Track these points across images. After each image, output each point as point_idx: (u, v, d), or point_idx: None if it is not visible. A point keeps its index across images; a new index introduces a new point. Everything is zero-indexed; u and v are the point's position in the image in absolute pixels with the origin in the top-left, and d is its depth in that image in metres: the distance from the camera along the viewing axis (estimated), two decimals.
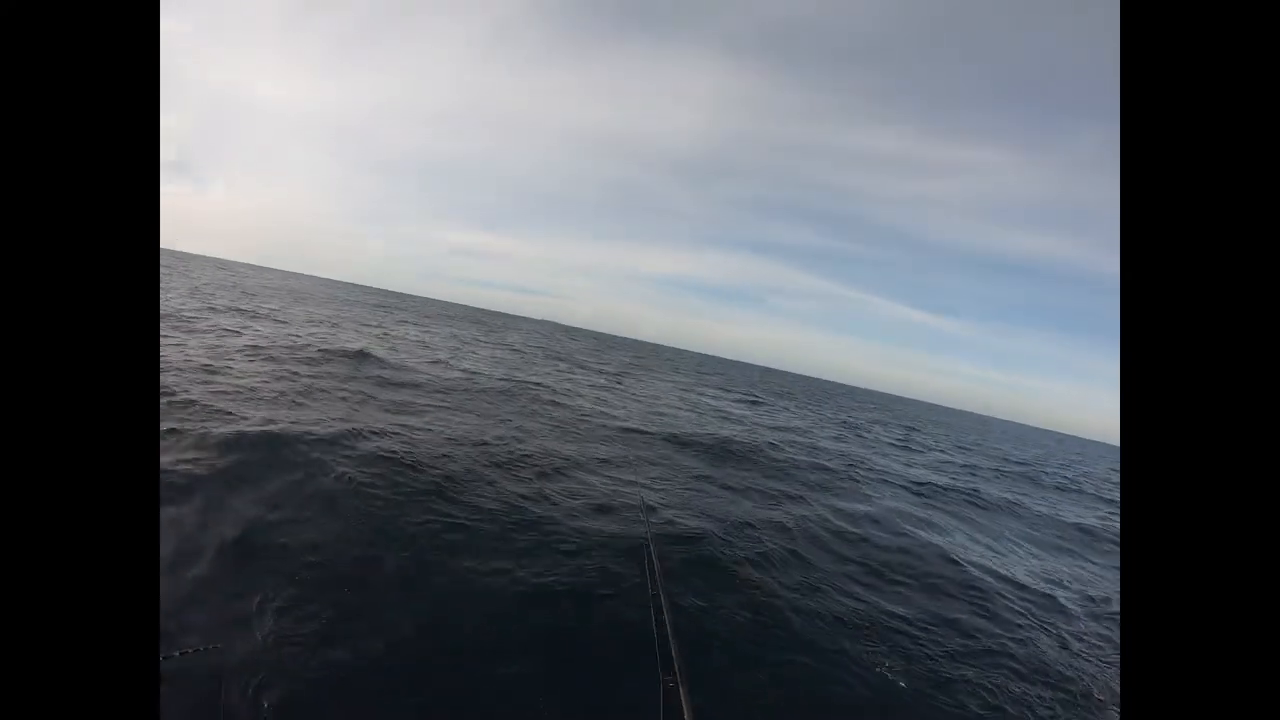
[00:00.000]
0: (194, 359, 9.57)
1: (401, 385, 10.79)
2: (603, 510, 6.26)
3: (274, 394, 8.30)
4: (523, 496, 6.23)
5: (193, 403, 7.07)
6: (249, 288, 33.98)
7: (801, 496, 8.60)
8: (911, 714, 4.03)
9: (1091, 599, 7.33)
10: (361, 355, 12.86)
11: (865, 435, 21.48)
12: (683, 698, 1.92)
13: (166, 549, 4.05)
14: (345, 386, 9.68)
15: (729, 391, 29.12)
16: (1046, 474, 22.12)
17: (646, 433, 11.11)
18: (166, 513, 4.50)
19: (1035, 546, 9.52)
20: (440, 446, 7.25)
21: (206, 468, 5.30)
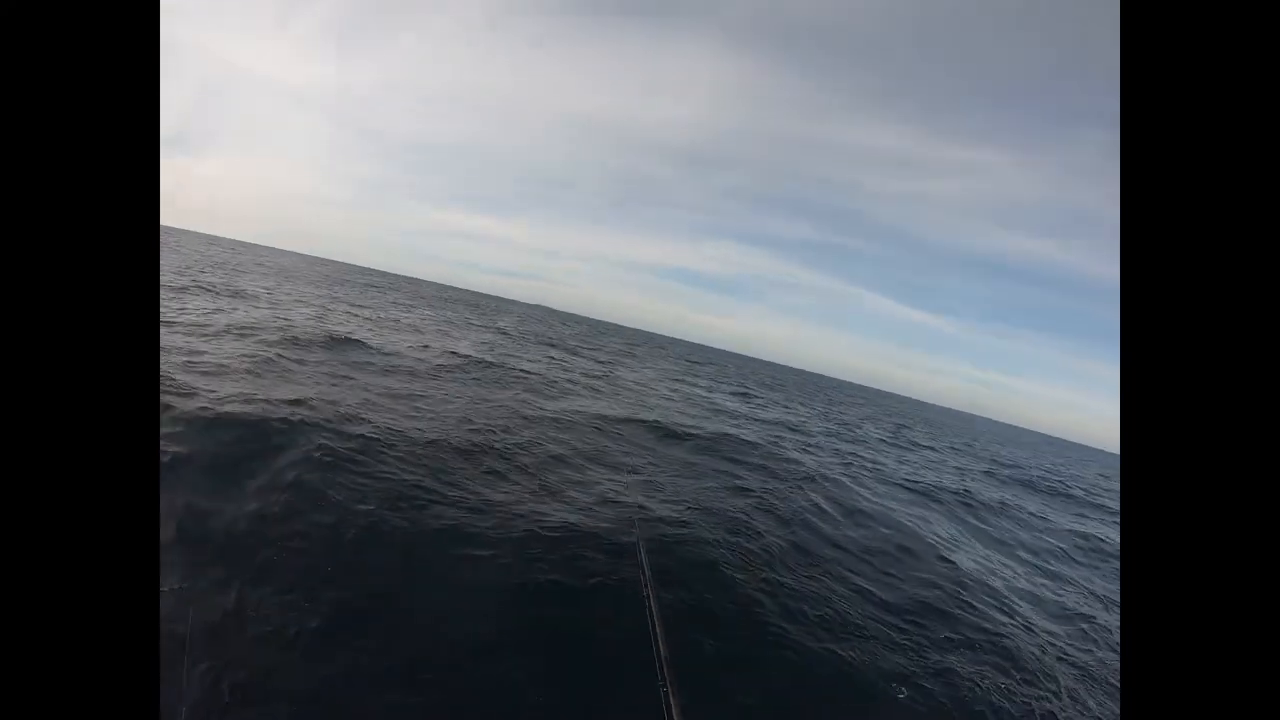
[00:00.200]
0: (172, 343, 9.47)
1: (387, 371, 10.64)
2: (592, 505, 6.26)
3: (245, 375, 8.18)
4: (507, 489, 6.22)
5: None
6: (238, 264, 33.60)
7: (787, 485, 8.64)
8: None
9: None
10: (347, 340, 12.49)
11: (856, 431, 21.60)
12: (671, 699, 1.94)
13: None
14: (324, 371, 9.52)
15: (720, 384, 29.15)
16: (1042, 478, 22.33)
17: (637, 421, 11.11)
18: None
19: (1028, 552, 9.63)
20: (421, 434, 7.22)
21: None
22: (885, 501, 9.59)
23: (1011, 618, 6.14)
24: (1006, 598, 6.71)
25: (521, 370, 14.49)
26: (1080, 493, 20.59)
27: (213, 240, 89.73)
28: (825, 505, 8.17)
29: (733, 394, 24.10)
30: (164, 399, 6.04)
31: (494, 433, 7.91)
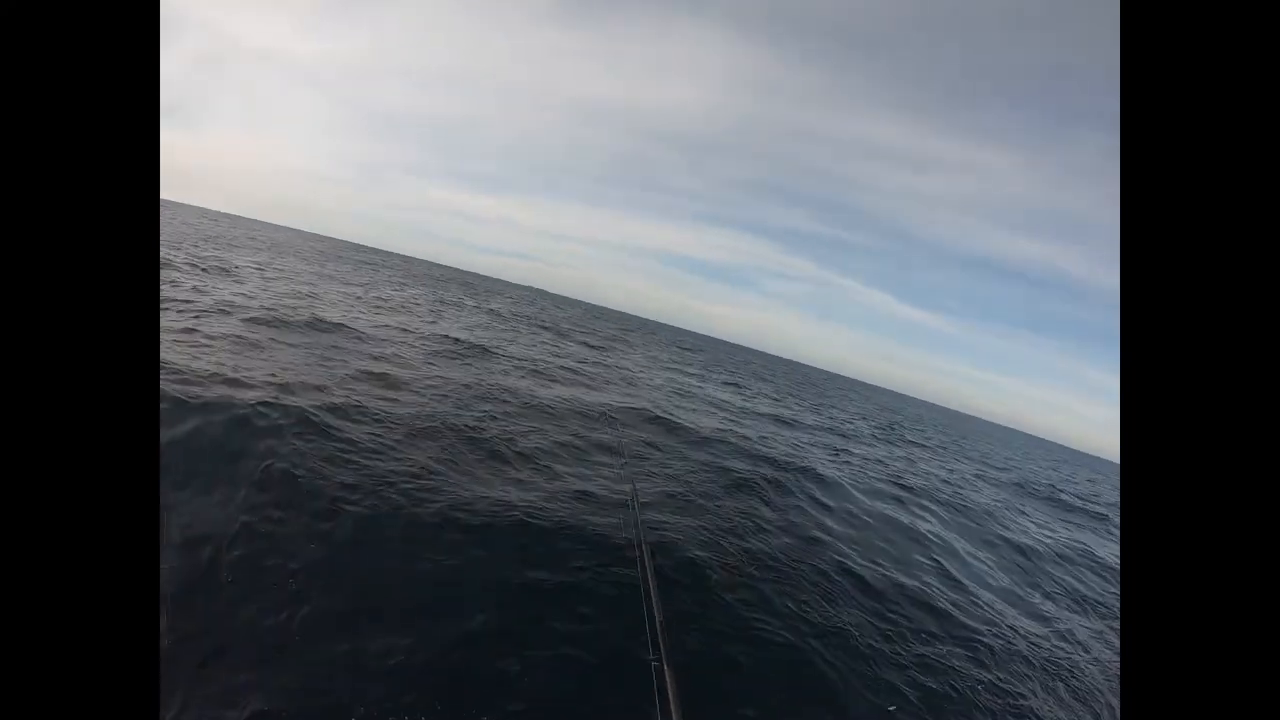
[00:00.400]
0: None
1: (376, 357, 10.48)
2: (586, 494, 6.26)
3: (225, 358, 8.08)
4: (500, 476, 6.21)
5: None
6: (232, 239, 33.24)
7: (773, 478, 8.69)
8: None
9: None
10: (336, 326, 11.90)
11: (849, 427, 21.73)
12: (667, 677, 1.94)
13: None
14: (304, 351, 9.37)
15: (711, 373, 29.21)
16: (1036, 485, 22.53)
17: (633, 409, 11.12)
18: None
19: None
20: (408, 420, 7.19)
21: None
22: (874, 501, 9.65)
23: (999, 621, 6.21)
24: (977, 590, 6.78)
25: (509, 355, 14.44)
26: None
27: (204, 213, 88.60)
28: (816, 497, 8.22)
29: (725, 384, 24.16)
30: None
31: (479, 418, 7.89)
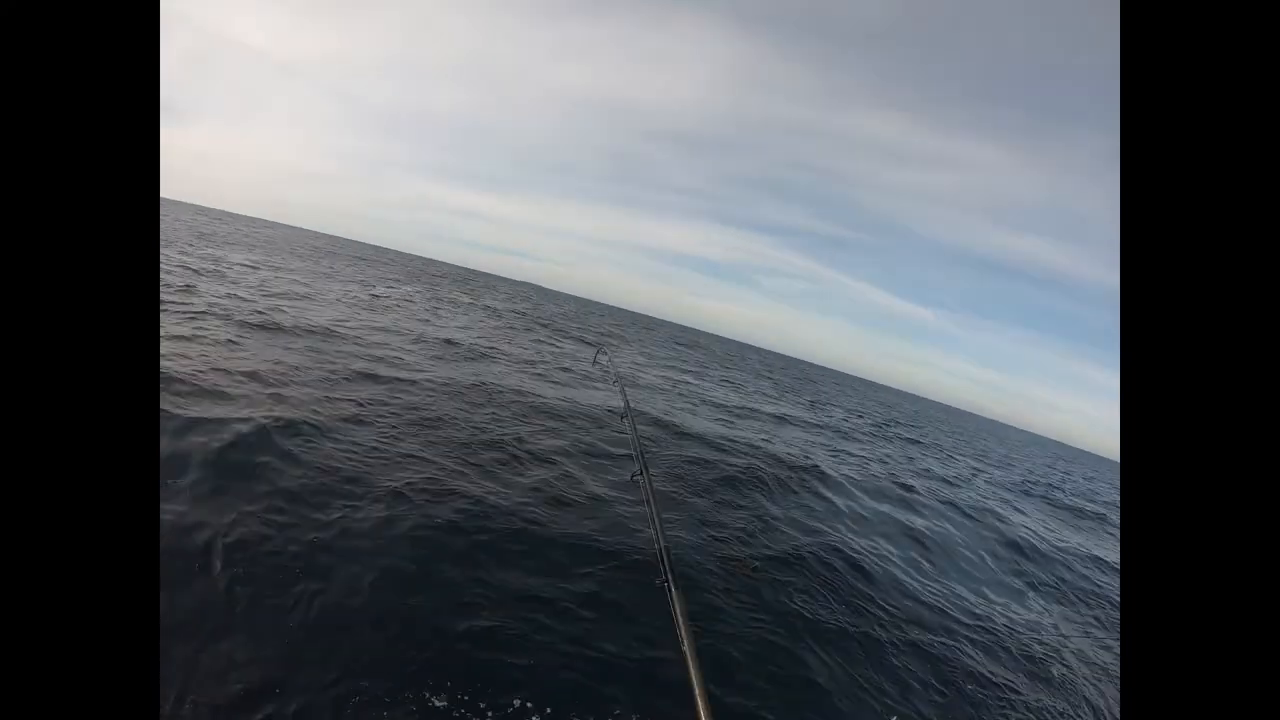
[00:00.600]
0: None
1: (368, 359, 10.32)
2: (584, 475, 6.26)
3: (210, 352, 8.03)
4: (504, 475, 6.21)
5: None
6: (227, 236, 33.10)
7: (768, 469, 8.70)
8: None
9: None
10: (327, 331, 11.33)
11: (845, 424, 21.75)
12: (674, 599, 1.97)
13: None
14: (295, 352, 9.28)
15: (708, 370, 29.21)
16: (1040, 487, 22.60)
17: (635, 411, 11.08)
18: None
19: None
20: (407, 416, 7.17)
21: None
22: (877, 503, 9.67)
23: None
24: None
25: (504, 352, 14.41)
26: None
27: (201, 210, 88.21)
28: (822, 496, 8.24)
29: (721, 381, 24.15)
30: None
31: (479, 419, 7.88)
